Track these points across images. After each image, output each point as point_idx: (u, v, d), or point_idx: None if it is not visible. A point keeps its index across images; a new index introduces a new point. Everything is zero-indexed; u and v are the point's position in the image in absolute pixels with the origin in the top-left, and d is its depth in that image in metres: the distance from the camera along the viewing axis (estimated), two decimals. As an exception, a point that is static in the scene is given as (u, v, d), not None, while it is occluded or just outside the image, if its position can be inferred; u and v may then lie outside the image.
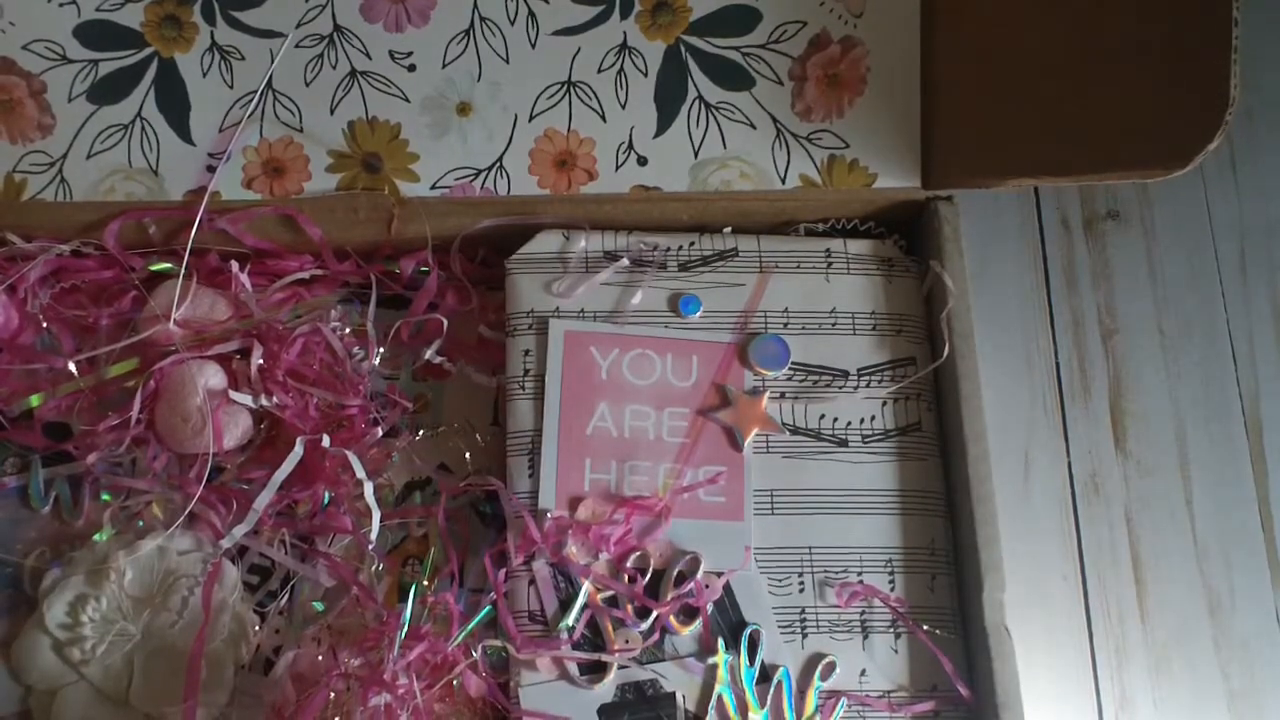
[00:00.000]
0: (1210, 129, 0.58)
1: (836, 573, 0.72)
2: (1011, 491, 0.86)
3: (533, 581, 0.71)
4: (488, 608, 0.71)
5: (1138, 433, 0.89)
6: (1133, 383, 0.90)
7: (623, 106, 0.77)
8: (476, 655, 0.69)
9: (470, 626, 0.70)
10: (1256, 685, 0.83)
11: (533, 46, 0.76)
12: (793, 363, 0.76)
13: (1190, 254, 0.93)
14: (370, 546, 0.73)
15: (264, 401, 0.75)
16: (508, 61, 0.76)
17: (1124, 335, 0.91)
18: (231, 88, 0.76)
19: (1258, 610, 0.85)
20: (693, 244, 0.78)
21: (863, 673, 0.70)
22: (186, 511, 0.73)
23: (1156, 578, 0.85)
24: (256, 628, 0.73)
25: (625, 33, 0.76)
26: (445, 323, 0.78)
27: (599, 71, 0.77)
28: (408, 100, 0.77)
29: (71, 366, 0.76)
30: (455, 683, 0.69)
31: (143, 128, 0.76)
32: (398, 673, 0.67)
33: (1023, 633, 0.71)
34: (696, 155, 0.77)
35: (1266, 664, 0.83)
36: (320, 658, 0.70)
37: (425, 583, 0.74)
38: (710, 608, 0.71)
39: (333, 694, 0.67)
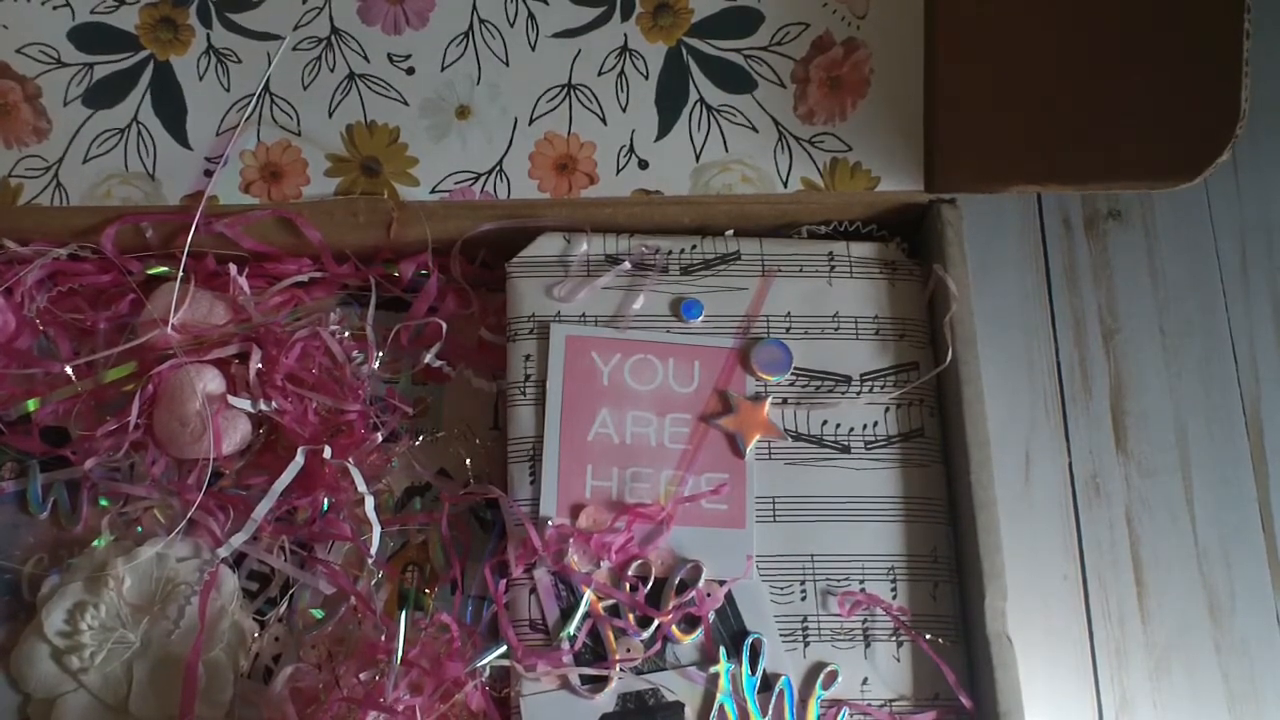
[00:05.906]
0: (1220, 142, 0.57)
1: (838, 581, 0.72)
2: (1012, 492, 0.86)
3: (534, 590, 0.71)
4: (502, 647, 0.70)
5: (1138, 433, 0.88)
6: (1133, 383, 0.90)
7: (623, 109, 0.76)
8: (482, 679, 0.69)
9: (484, 661, 0.69)
10: (1257, 687, 0.83)
11: (532, 49, 0.76)
12: (795, 368, 0.75)
13: (1191, 254, 0.93)
14: (370, 561, 0.72)
15: (263, 406, 0.75)
16: (507, 64, 0.76)
17: (1125, 335, 0.91)
18: (228, 91, 0.76)
19: (1258, 611, 0.85)
20: (694, 247, 0.78)
21: (864, 682, 0.70)
22: (186, 518, 0.72)
23: (1157, 578, 0.85)
24: (255, 635, 0.72)
25: (626, 35, 0.76)
26: (445, 326, 0.78)
27: (599, 74, 0.76)
28: (406, 103, 0.76)
29: (69, 371, 0.75)
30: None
31: (139, 131, 0.76)
32: (399, 697, 0.66)
33: (1023, 634, 0.71)
34: (698, 159, 0.77)
35: (1267, 665, 0.83)
36: (319, 668, 0.70)
37: (426, 591, 0.73)
38: (712, 616, 0.70)
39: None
